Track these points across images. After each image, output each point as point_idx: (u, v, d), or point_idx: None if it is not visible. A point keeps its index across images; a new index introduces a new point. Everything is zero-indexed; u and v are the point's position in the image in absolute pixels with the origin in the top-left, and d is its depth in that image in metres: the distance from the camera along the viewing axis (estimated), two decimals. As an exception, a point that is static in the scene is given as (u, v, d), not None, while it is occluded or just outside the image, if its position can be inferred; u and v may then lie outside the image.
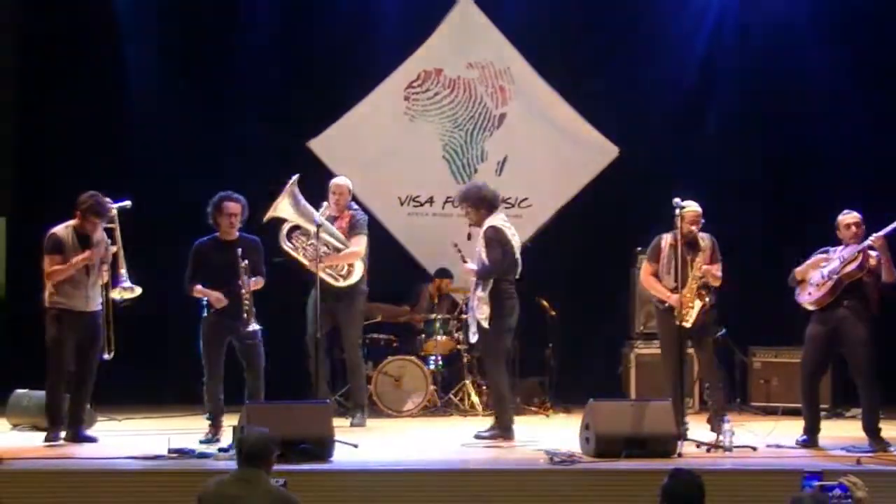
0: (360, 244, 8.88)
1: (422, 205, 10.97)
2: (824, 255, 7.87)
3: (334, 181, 9.10)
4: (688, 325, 7.88)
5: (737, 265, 8.59)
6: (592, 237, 10.79)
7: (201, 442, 7.62)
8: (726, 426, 7.51)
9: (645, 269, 8.30)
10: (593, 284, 10.68)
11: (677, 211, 7.81)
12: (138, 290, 7.93)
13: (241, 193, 8.13)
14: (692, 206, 7.98)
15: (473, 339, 8.27)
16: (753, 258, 8.86)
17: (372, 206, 10.55)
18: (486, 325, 8.06)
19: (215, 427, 7.91)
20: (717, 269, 8.03)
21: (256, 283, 8.01)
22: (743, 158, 10.95)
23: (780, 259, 8.49)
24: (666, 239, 8.10)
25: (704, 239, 8.11)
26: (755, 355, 10.13)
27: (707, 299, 7.97)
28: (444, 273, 10.42)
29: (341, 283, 8.82)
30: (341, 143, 10.80)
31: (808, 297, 7.84)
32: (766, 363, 10.03)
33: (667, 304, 8.04)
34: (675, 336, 7.93)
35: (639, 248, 10.18)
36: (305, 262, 8.64)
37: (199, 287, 7.93)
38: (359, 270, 8.89)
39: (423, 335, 10.13)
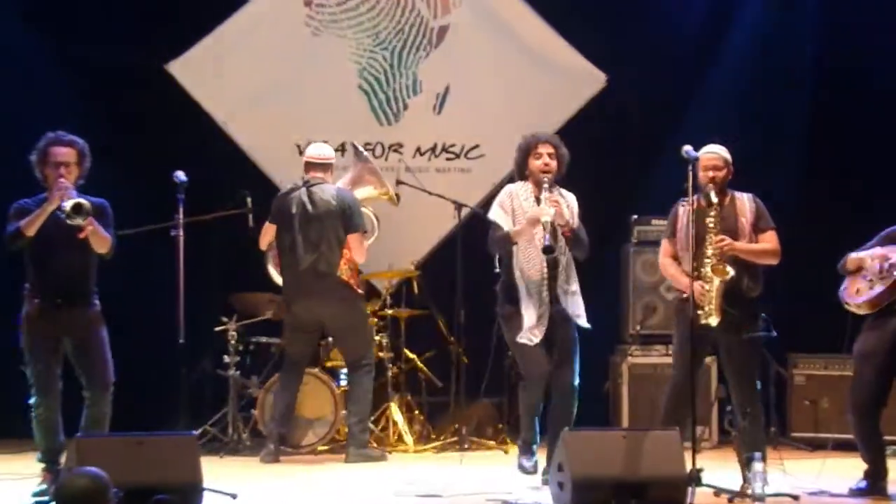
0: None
1: (329, 154, 10.99)
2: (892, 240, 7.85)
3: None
4: (709, 322, 7.83)
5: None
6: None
7: (34, 494, 7.56)
8: (757, 466, 7.51)
9: (663, 250, 8.30)
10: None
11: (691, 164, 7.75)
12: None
13: (83, 133, 8.00)
14: (711, 150, 8.00)
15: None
16: (793, 236, 8.85)
17: (257, 156, 10.47)
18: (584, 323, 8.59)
19: (53, 472, 7.80)
20: (747, 244, 8.02)
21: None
22: (782, 103, 11.21)
23: (831, 238, 8.58)
24: (685, 204, 7.96)
25: (742, 200, 8.08)
26: (797, 366, 10.37)
27: (728, 278, 7.86)
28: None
29: None
30: (212, 65, 10.90)
31: (856, 297, 7.84)
32: (811, 377, 10.28)
33: (685, 296, 8.00)
34: (696, 338, 7.85)
35: (635, 217, 10.25)
36: None
37: (21, 223, 7.80)
38: None
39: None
